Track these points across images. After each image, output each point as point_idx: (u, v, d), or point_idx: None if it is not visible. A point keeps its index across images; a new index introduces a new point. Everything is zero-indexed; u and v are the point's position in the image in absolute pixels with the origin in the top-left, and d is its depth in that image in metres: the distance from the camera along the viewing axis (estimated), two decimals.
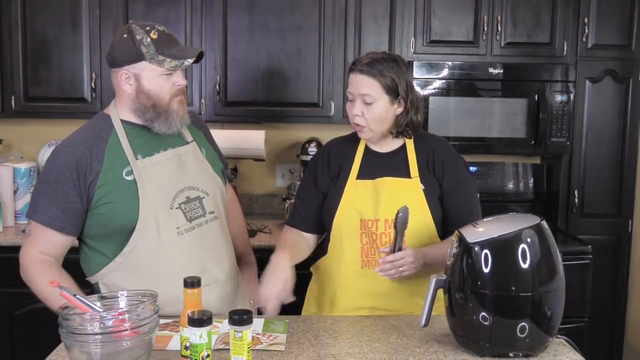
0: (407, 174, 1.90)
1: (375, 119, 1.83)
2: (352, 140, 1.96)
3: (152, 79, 1.71)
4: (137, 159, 1.75)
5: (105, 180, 1.72)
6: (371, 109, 1.83)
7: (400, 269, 1.78)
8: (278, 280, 1.74)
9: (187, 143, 1.87)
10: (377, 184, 1.89)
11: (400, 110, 1.86)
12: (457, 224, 1.70)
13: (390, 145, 1.93)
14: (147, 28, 1.72)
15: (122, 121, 1.78)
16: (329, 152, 1.99)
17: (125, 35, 1.72)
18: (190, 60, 1.72)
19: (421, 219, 1.87)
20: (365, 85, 1.82)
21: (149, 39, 1.70)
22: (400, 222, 1.72)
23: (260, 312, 1.79)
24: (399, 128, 1.88)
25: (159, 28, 1.73)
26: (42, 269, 1.70)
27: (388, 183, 1.89)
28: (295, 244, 1.95)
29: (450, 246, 1.59)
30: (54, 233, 1.72)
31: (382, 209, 1.87)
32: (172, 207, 1.77)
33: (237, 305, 1.88)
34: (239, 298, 1.94)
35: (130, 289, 1.58)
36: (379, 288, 1.88)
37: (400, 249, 1.77)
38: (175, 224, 1.77)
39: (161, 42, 1.71)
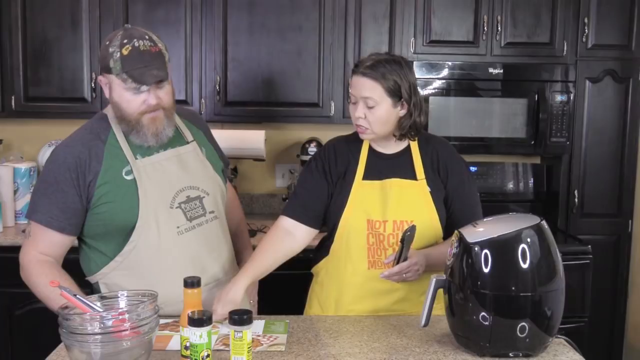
0: (413, 176, 1.90)
1: (378, 121, 1.83)
2: (355, 140, 1.95)
3: (121, 92, 1.69)
4: (136, 158, 1.75)
5: (105, 180, 1.72)
6: (374, 111, 1.82)
7: (404, 275, 1.79)
8: (227, 305, 1.69)
9: (187, 143, 1.87)
10: (384, 185, 1.89)
11: (403, 112, 1.85)
12: (460, 224, 1.69)
13: (394, 146, 1.93)
14: (125, 41, 1.66)
15: None
16: (335, 151, 1.96)
17: (107, 43, 1.70)
18: (146, 88, 1.68)
19: (428, 221, 1.87)
20: (368, 88, 1.81)
21: (118, 54, 1.66)
22: (408, 239, 1.74)
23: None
24: (402, 130, 1.87)
25: (136, 43, 1.66)
26: (42, 269, 1.70)
27: (396, 184, 1.88)
28: (276, 246, 1.87)
29: (450, 246, 1.59)
30: (54, 233, 1.72)
31: (390, 210, 1.86)
32: (172, 206, 1.77)
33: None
34: None
35: (131, 289, 1.58)
36: (387, 288, 1.87)
37: (405, 259, 1.77)
38: (175, 224, 1.77)
39: (130, 59, 1.65)
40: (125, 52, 1.65)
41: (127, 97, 1.69)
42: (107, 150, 1.74)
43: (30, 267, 1.72)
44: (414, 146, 1.93)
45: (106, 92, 1.74)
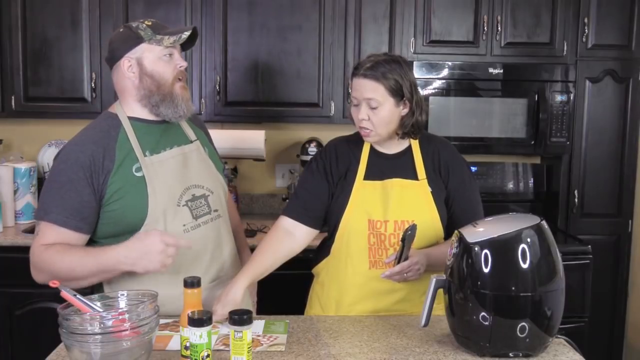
0: (414, 176, 1.90)
1: (382, 122, 1.83)
2: (356, 140, 1.95)
3: (154, 60, 1.76)
4: (145, 155, 1.76)
5: (117, 177, 1.71)
6: (377, 112, 1.82)
7: (405, 275, 1.79)
8: (227, 306, 1.70)
9: (191, 142, 1.88)
10: (385, 185, 1.89)
11: (405, 111, 1.85)
12: (462, 224, 1.69)
13: (396, 146, 1.93)
14: (141, 20, 1.80)
15: (129, 118, 1.79)
16: (336, 151, 1.96)
17: (121, 30, 1.79)
18: (187, 33, 1.77)
19: (429, 221, 1.87)
20: (370, 90, 1.81)
21: (144, 25, 1.77)
22: (409, 239, 1.74)
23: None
24: (405, 129, 1.87)
25: (152, 20, 1.81)
26: (53, 250, 1.66)
27: (397, 185, 1.88)
28: (276, 247, 1.88)
29: (450, 246, 1.59)
30: (70, 232, 1.69)
31: (391, 210, 1.86)
32: (179, 204, 1.77)
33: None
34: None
35: (134, 288, 1.58)
36: (388, 288, 1.87)
37: (406, 259, 1.78)
38: (181, 222, 1.77)
39: (156, 26, 1.78)
40: (148, 23, 1.78)
41: (160, 63, 1.76)
42: (119, 148, 1.74)
43: (42, 255, 1.67)
44: (415, 146, 1.93)
45: (129, 75, 1.76)
